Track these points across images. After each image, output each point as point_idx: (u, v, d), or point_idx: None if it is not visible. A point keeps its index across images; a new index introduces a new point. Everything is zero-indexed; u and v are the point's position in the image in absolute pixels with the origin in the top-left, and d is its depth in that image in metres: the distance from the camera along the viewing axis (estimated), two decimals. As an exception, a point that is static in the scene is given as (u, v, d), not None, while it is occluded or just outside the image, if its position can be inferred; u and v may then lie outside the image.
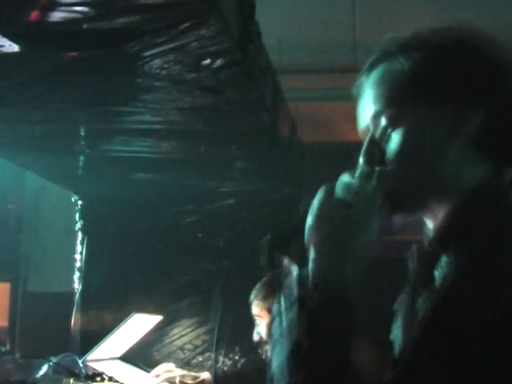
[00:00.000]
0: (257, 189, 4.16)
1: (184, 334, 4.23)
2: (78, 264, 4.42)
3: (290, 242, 1.11)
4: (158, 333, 3.94)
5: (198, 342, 4.21)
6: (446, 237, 1.05)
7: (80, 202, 4.45)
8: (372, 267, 1.10)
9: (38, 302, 4.71)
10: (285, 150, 3.63)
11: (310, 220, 1.07)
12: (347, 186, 1.08)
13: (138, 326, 3.44)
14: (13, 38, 2.15)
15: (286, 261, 1.12)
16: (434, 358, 0.88)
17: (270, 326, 1.14)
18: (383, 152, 1.10)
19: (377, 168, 1.09)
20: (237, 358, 4.07)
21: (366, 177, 1.09)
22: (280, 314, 1.04)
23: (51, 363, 2.92)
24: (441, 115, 1.06)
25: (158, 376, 3.06)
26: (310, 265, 1.05)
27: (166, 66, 2.37)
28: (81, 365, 3.03)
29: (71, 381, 2.75)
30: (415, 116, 1.07)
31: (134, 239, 4.32)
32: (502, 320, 0.86)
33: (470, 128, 1.05)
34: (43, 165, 3.90)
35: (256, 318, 2.97)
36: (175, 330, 4.23)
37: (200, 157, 3.66)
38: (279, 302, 1.05)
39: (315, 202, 1.07)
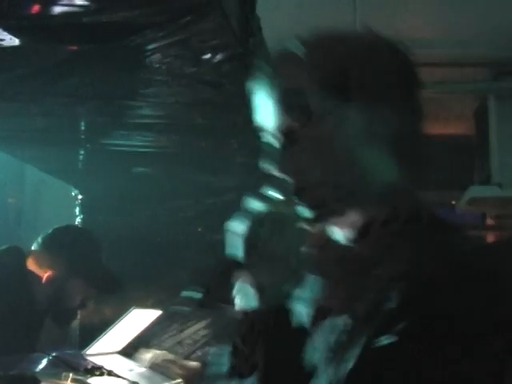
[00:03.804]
0: (257, 183, 4.15)
1: (183, 328, 4.24)
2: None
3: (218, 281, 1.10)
4: (157, 327, 3.94)
5: (197, 337, 4.21)
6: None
7: (80, 196, 4.45)
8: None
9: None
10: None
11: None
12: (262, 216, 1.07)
13: (138, 320, 3.44)
14: (13, 32, 2.14)
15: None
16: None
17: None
18: (297, 161, 1.05)
19: (290, 180, 1.06)
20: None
21: (283, 196, 1.07)
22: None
23: (50, 357, 2.91)
24: (358, 115, 1.01)
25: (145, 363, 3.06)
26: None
27: (166, 60, 2.37)
28: (80, 359, 3.03)
29: (70, 374, 2.74)
30: (326, 124, 1.02)
31: (134, 233, 4.31)
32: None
33: (382, 132, 1.01)
34: (43, 158, 3.90)
35: None
36: (174, 325, 4.23)
37: (200, 151, 3.66)
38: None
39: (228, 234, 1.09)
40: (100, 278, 3.25)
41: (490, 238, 4.00)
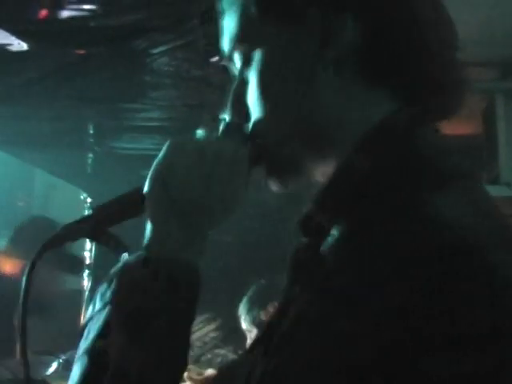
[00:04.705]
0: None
1: (193, 331, 4.24)
2: (87, 261, 4.43)
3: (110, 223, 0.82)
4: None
5: (207, 339, 4.21)
6: (330, 199, 0.75)
7: (89, 200, 4.46)
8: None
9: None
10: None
11: (150, 182, 0.79)
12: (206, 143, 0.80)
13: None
14: (21, 37, 2.16)
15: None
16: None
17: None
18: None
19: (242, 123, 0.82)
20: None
21: (229, 134, 0.82)
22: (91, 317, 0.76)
23: (61, 360, 2.92)
24: (305, 37, 0.75)
25: None
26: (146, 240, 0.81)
27: (173, 63, 2.37)
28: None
29: (80, 377, 2.74)
30: (271, 44, 0.78)
31: (142, 236, 4.32)
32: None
33: (350, 50, 0.74)
34: (52, 162, 3.91)
35: (247, 332, 2.86)
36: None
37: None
38: (94, 303, 0.77)
39: (159, 158, 0.79)
40: (66, 261, 3.27)
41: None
